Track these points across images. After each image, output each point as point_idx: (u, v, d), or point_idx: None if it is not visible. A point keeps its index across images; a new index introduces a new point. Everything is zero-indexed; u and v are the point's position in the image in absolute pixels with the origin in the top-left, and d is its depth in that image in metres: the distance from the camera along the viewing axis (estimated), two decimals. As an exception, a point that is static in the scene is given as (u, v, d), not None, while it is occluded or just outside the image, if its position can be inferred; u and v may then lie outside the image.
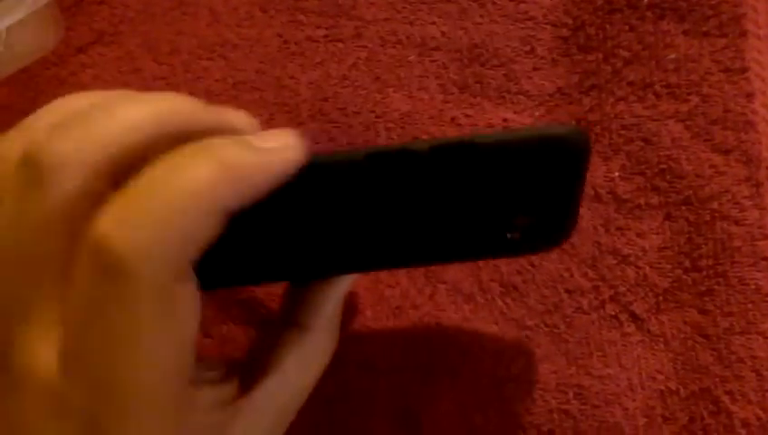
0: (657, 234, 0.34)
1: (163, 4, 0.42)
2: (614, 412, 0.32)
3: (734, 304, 0.32)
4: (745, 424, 0.30)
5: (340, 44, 0.40)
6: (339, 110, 0.38)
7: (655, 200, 0.34)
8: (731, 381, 0.31)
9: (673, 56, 0.35)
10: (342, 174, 0.25)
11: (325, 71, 0.39)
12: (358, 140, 0.38)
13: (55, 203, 0.21)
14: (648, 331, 0.32)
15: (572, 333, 0.33)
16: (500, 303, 0.34)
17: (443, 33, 0.39)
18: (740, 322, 0.32)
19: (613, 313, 0.33)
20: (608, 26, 0.37)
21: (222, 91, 0.40)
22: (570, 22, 0.38)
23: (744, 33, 0.35)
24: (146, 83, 0.40)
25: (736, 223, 0.33)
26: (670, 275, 0.33)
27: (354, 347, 0.30)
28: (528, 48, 0.38)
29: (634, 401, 0.32)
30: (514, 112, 0.37)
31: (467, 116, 0.37)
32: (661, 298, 0.33)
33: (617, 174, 0.35)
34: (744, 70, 0.35)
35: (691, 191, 0.33)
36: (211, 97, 0.39)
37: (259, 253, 0.27)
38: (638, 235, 0.34)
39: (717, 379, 0.31)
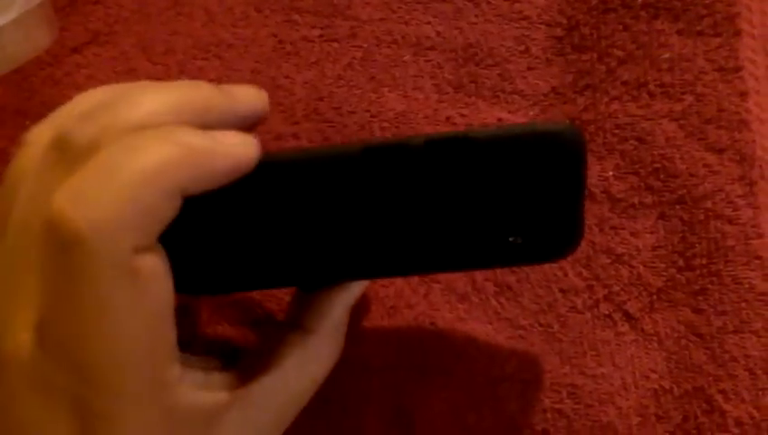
0: (651, 233, 0.34)
1: (158, 4, 0.42)
2: (607, 411, 0.32)
3: (728, 303, 0.32)
4: (739, 423, 0.30)
5: (336, 44, 0.40)
6: (334, 109, 0.38)
7: (649, 199, 0.34)
8: (724, 379, 0.31)
9: (667, 56, 0.35)
10: (337, 169, 0.25)
11: (320, 70, 0.39)
12: (353, 140, 0.38)
13: None
14: (642, 330, 0.32)
15: (566, 333, 0.33)
16: (494, 302, 0.34)
17: (438, 33, 0.39)
18: (733, 321, 0.32)
19: (607, 312, 0.33)
20: (602, 26, 0.37)
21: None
22: (564, 21, 0.38)
23: (737, 33, 0.35)
24: (141, 83, 0.40)
25: (730, 222, 0.33)
26: (664, 274, 0.33)
27: (348, 346, 0.30)
28: (522, 48, 0.38)
29: (627, 400, 0.32)
30: (509, 112, 0.37)
31: (462, 115, 0.37)
32: (655, 297, 0.33)
33: (611, 173, 0.35)
34: (738, 69, 0.35)
35: (685, 190, 0.34)
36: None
37: (257, 257, 0.27)
38: (632, 234, 0.34)
39: (711, 378, 0.31)
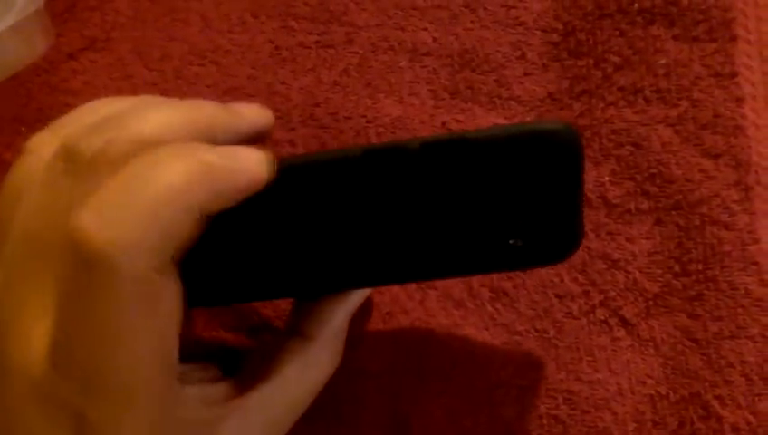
0: (647, 238, 0.34)
1: (154, 11, 0.42)
2: (604, 417, 0.32)
3: (724, 309, 0.32)
4: (735, 429, 0.30)
5: (332, 50, 0.40)
6: (330, 115, 0.38)
7: (645, 205, 0.34)
8: (721, 385, 0.31)
9: (663, 61, 0.36)
10: (336, 175, 0.25)
11: (316, 76, 0.39)
12: (350, 145, 0.38)
13: (87, 192, 0.21)
14: (638, 335, 0.32)
15: (562, 338, 0.33)
16: (490, 308, 0.34)
17: (434, 39, 0.39)
18: (730, 326, 0.32)
19: (603, 317, 0.33)
20: (598, 32, 0.37)
21: (213, 97, 0.40)
22: (560, 27, 0.38)
23: (733, 38, 0.35)
24: (137, 90, 0.40)
25: (726, 227, 0.33)
26: (660, 279, 0.33)
27: (344, 351, 0.30)
28: (519, 53, 0.38)
29: (624, 405, 0.32)
30: (505, 118, 0.37)
31: (458, 121, 0.37)
32: (651, 303, 0.33)
33: (607, 179, 0.35)
34: (734, 75, 0.35)
35: (681, 196, 0.34)
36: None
37: (257, 268, 0.27)
38: (628, 239, 0.34)
39: (707, 383, 0.31)
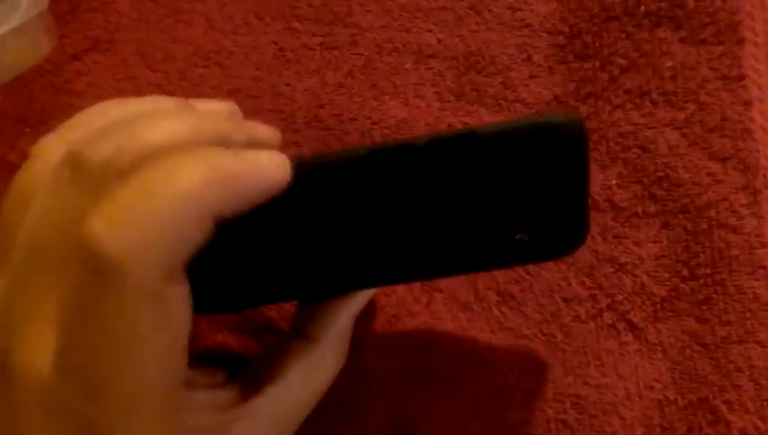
0: (655, 242, 0.33)
1: (158, 12, 0.42)
2: (611, 422, 0.31)
3: (732, 313, 0.32)
4: (743, 434, 0.30)
5: (336, 52, 0.40)
6: (335, 117, 0.38)
7: (652, 209, 0.34)
8: (729, 390, 0.31)
9: (670, 64, 0.35)
10: (343, 175, 0.25)
11: (321, 78, 0.39)
12: (356, 145, 0.38)
13: (96, 200, 0.21)
14: (646, 340, 0.32)
15: (570, 343, 0.33)
16: (497, 312, 0.34)
17: (439, 41, 0.39)
18: (738, 331, 0.31)
19: (610, 322, 0.33)
20: (604, 34, 0.37)
21: (217, 98, 0.39)
22: (566, 30, 0.37)
23: (740, 41, 0.35)
24: (141, 91, 0.40)
25: (734, 231, 0.33)
26: (668, 283, 0.33)
27: (350, 355, 0.30)
28: (524, 56, 0.38)
29: (631, 410, 0.31)
30: (511, 120, 0.37)
31: (464, 124, 0.37)
32: (659, 307, 0.33)
33: (614, 182, 0.34)
34: (742, 78, 0.35)
35: (688, 199, 0.33)
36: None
37: (263, 272, 0.27)
38: (636, 243, 0.33)
39: (715, 388, 0.31)
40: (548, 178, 0.25)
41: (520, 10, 0.38)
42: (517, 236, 0.26)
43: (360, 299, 0.29)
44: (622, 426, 0.31)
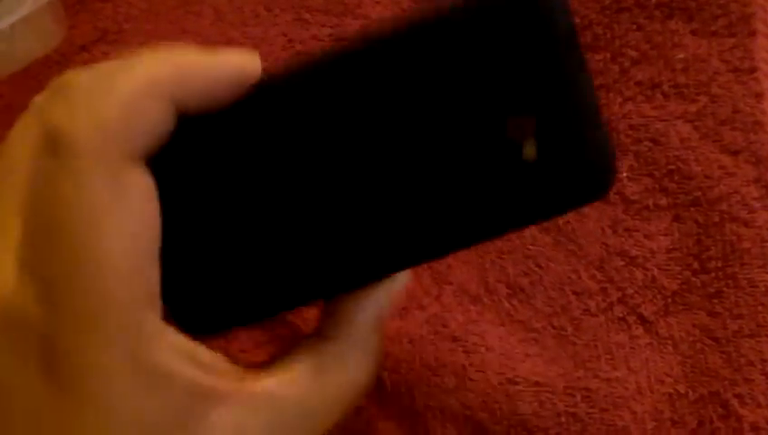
0: (666, 235, 0.33)
1: (167, 3, 0.41)
2: (622, 416, 0.31)
3: (744, 307, 0.31)
4: (755, 428, 0.30)
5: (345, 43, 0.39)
6: (344, 109, 0.38)
7: (663, 201, 0.34)
8: (740, 384, 0.31)
9: (681, 56, 0.35)
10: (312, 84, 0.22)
11: (330, 70, 0.39)
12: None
13: None
14: (657, 333, 0.32)
15: (580, 336, 0.33)
16: (507, 304, 0.34)
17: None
18: (749, 324, 0.31)
19: (621, 315, 0.33)
20: (615, 26, 0.36)
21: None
22: (577, 21, 0.37)
23: (752, 33, 0.35)
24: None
25: (745, 224, 0.32)
26: (679, 277, 0.33)
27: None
28: (535, 47, 0.37)
29: (642, 404, 0.31)
30: (521, 112, 0.36)
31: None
32: (670, 300, 0.32)
33: (625, 175, 0.34)
34: (753, 70, 0.34)
35: (700, 192, 0.33)
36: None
37: (266, 267, 0.23)
38: (647, 236, 0.33)
39: (726, 382, 0.31)
40: (531, 64, 0.20)
41: (530, 1, 0.38)
42: (524, 154, 0.21)
43: (381, 296, 0.25)
44: (633, 420, 0.31)
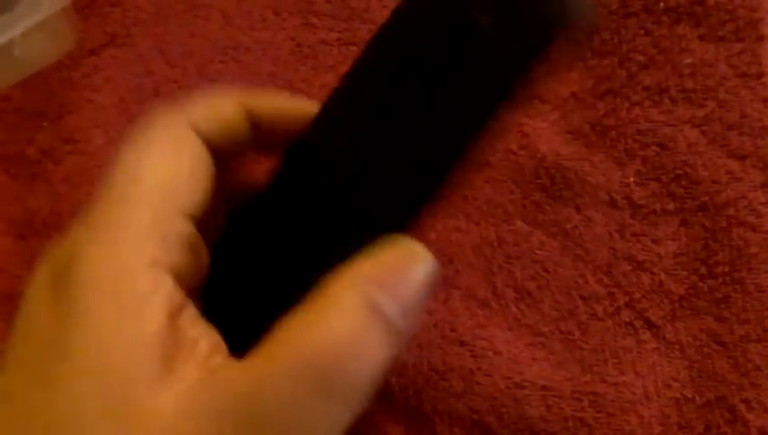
0: (673, 240, 0.33)
1: (175, 7, 0.42)
2: (629, 420, 0.31)
3: (751, 312, 0.32)
4: (762, 432, 0.30)
5: (353, 48, 0.39)
6: (352, 113, 0.38)
7: (671, 206, 0.34)
8: (747, 389, 0.31)
9: (689, 61, 0.35)
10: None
11: (338, 74, 0.39)
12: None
13: None
14: (664, 338, 0.32)
15: (587, 340, 0.33)
16: (514, 309, 0.34)
17: (456, 37, 0.39)
18: (756, 329, 0.31)
19: (628, 319, 0.33)
20: (623, 30, 0.37)
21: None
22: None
23: (760, 38, 0.35)
24: (158, 86, 0.40)
25: (753, 229, 0.32)
26: (686, 281, 0.33)
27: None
28: (542, 52, 0.37)
29: (649, 408, 0.31)
30: (528, 117, 0.37)
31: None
32: (677, 305, 0.33)
33: (632, 179, 0.34)
34: (761, 75, 0.34)
35: (707, 197, 0.33)
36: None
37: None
38: (654, 241, 0.33)
39: (734, 387, 0.31)
40: None
41: (538, 6, 0.38)
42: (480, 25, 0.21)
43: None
44: (640, 424, 0.31)
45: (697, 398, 0.31)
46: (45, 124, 0.40)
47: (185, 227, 0.22)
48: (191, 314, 0.21)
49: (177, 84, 0.40)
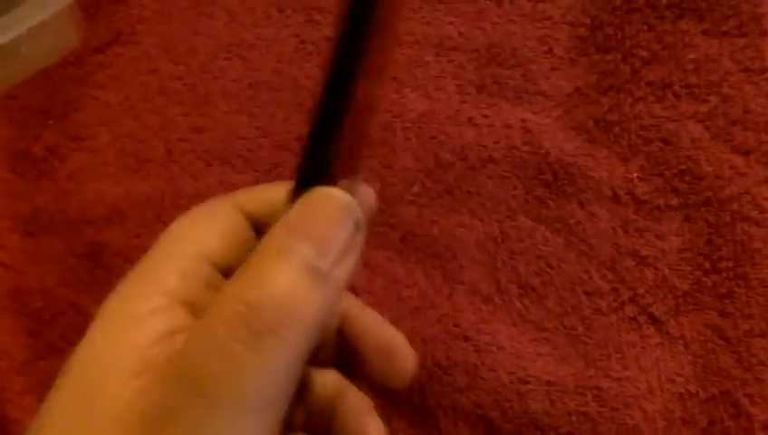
0: (677, 235, 0.33)
1: (180, 5, 0.42)
2: (633, 415, 0.31)
3: (755, 307, 0.32)
4: (766, 427, 0.30)
5: (357, 44, 0.40)
6: (356, 110, 0.38)
7: (674, 202, 0.34)
8: (751, 383, 0.31)
9: (692, 56, 0.35)
10: None
11: (342, 71, 0.39)
12: (374, 140, 0.38)
13: None
14: (668, 333, 0.32)
15: (591, 335, 0.33)
16: (518, 304, 0.34)
17: (460, 34, 0.39)
18: (760, 324, 0.31)
19: (632, 315, 0.33)
20: (626, 26, 0.37)
21: (238, 91, 0.40)
22: (588, 21, 0.37)
23: (764, 33, 0.35)
24: (163, 83, 0.40)
25: (757, 224, 0.32)
26: (690, 277, 0.33)
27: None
28: (546, 48, 0.38)
29: (653, 403, 0.32)
30: (532, 113, 0.37)
31: (485, 116, 0.37)
32: (681, 300, 0.33)
33: (636, 175, 0.34)
34: (764, 70, 0.34)
35: (711, 192, 0.33)
36: (228, 97, 0.39)
37: None
38: (658, 236, 0.33)
39: (737, 381, 0.31)
40: None
41: (541, 2, 0.38)
42: None
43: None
44: (644, 419, 0.31)
45: (701, 393, 0.31)
46: (51, 122, 0.40)
47: (207, 271, 0.23)
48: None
49: (182, 81, 0.40)
